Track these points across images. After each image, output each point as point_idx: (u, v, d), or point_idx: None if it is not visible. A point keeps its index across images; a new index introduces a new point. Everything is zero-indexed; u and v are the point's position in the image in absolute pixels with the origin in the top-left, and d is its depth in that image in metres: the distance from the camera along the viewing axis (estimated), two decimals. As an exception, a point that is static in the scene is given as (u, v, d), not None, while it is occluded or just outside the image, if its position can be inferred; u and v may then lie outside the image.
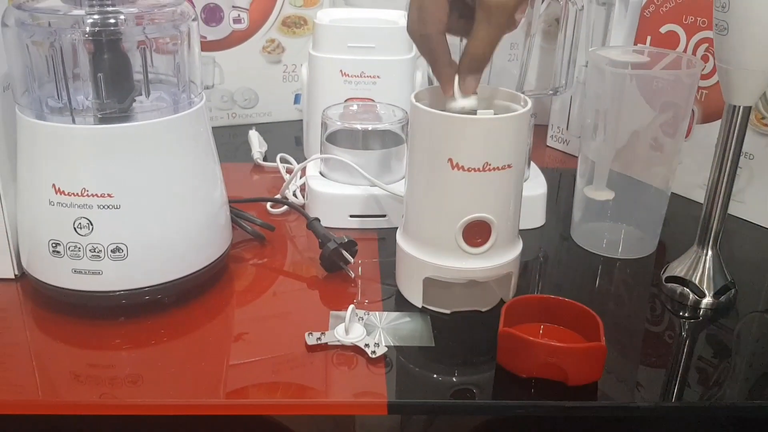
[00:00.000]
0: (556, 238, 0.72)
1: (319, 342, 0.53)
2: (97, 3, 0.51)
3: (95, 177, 0.52)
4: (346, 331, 0.53)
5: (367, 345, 0.52)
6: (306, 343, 0.53)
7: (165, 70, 0.57)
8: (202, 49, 0.74)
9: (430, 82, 0.82)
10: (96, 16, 0.51)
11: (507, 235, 0.56)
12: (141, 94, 0.54)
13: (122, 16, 0.51)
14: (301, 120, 0.89)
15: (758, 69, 0.52)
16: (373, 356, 0.51)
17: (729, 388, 0.51)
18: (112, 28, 0.51)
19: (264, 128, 0.95)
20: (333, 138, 0.73)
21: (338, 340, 0.53)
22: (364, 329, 0.54)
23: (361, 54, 0.79)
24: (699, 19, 0.74)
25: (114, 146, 0.52)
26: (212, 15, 0.91)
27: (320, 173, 0.74)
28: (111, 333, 0.54)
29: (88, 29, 0.51)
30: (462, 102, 0.53)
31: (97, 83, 0.52)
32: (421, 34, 0.53)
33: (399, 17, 0.82)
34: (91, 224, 0.52)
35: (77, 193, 0.52)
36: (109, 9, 0.51)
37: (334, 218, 0.70)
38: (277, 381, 0.50)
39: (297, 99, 0.99)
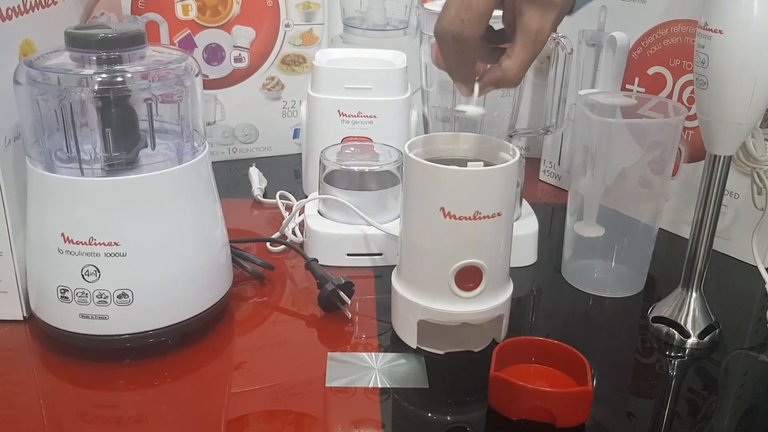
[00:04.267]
0: (548, 276, 0.74)
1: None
2: (104, 61, 0.53)
3: (103, 226, 0.54)
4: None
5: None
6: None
7: (170, 120, 0.59)
8: (205, 88, 0.76)
9: (425, 122, 0.84)
10: (104, 75, 0.53)
11: (498, 279, 0.58)
12: (147, 146, 0.56)
13: (129, 75, 0.53)
14: (300, 153, 0.92)
15: (736, 122, 0.54)
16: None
17: (715, 422, 0.53)
18: (120, 87, 0.53)
19: (264, 162, 0.97)
20: (331, 178, 0.75)
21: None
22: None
23: (358, 95, 0.81)
24: (685, 62, 0.76)
25: (121, 197, 0.54)
26: (214, 54, 0.93)
27: (318, 212, 0.76)
28: (116, 374, 0.56)
29: (96, 87, 0.53)
30: (474, 110, 0.56)
31: (105, 136, 0.54)
32: (456, 34, 0.50)
33: (395, 58, 0.85)
34: (98, 271, 0.54)
35: (85, 242, 0.53)
36: (117, 68, 0.53)
37: (331, 257, 0.72)
38: (277, 418, 0.52)
39: (296, 134, 1.01)
